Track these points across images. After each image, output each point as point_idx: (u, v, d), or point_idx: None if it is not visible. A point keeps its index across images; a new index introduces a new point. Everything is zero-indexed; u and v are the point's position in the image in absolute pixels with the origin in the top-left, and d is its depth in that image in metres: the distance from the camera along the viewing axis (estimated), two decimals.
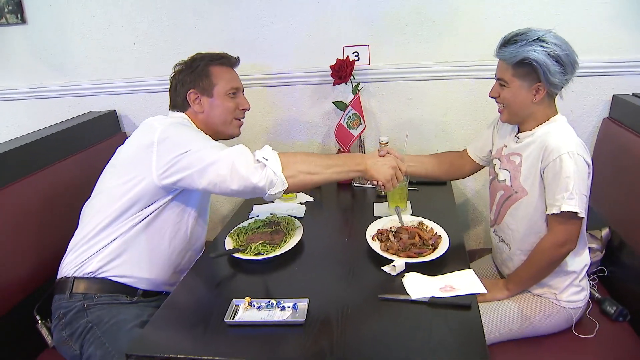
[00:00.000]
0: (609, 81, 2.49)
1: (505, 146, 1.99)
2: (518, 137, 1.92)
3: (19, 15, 2.80)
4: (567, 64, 1.72)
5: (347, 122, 2.53)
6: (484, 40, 2.43)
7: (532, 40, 1.71)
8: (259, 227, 2.09)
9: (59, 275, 1.89)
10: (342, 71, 2.47)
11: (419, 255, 1.81)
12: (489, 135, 2.16)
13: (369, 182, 2.55)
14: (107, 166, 1.94)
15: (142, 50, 2.78)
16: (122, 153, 1.91)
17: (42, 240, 2.12)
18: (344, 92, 2.65)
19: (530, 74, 1.75)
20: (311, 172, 1.79)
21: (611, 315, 1.97)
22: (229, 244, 1.99)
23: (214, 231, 2.98)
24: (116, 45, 2.79)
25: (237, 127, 2.08)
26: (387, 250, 1.85)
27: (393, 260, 1.77)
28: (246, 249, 1.91)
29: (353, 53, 2.58)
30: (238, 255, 1.89)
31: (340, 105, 2.58)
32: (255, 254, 1.89)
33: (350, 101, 2.52)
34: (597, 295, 2.09)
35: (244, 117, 2.08)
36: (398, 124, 2.72)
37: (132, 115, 2.94)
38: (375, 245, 1.89)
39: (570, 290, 1.88)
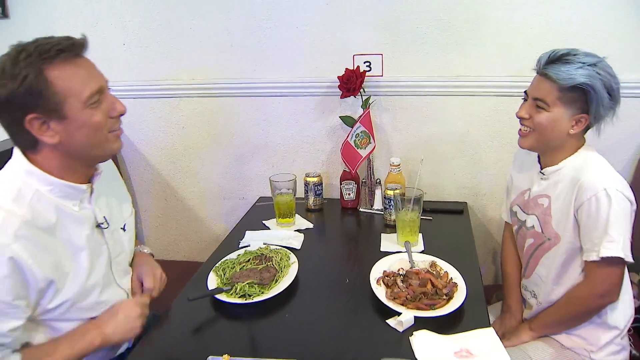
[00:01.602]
0: None
1: (529, 189, 1.77)
2: (543, 174, 1.70)
3: (0, 9, 2.56)
4: (617, 98, 1.54)
5: (354, 141, 2.27)
6: (514, 53, 2.21)
7: (588, 65, 1.49)
8: (248, 260, 1.84)
9: None
10: (352, 83, 2.21)
11: (431, 307, 1.56)
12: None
13: (375, 207, 2.31)
14: None
15: (133, 51, 2.54)
16: None
17: None
18: (352, 106, 2.40)
19: (578, 101, 1.53)
20: None
21: None
22: (212, 280, 1.75)
23: (206, 250, 2.76)
24: (104, 44, 2.55)
25: (115, 141, 1.43)
26: (393, 300, 1.60)
27: (400, 313, 1.53)
28: (231, 288, 1.67)
29: (364, 62, 2.32)
30: (221, 296, 1.64)
31: (348, 121, 2.33)
32: (240, 296, 1.65)
33: (360, 117, 2.27)
34: (634, 352, 1.81)
35: (121, 124, 1.44)
36: (412, 143, 2.46)
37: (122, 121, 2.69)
38: (380, 292, 1.64)
39: (608, 349, 1.67)
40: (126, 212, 1.69)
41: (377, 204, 2.34)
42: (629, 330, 1.71)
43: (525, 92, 1.65)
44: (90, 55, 2.22)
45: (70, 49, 1.27)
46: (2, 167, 1.38)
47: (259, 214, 2.30)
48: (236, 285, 1.67)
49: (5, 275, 1.21)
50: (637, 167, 2.28)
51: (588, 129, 1.61)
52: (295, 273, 1.75)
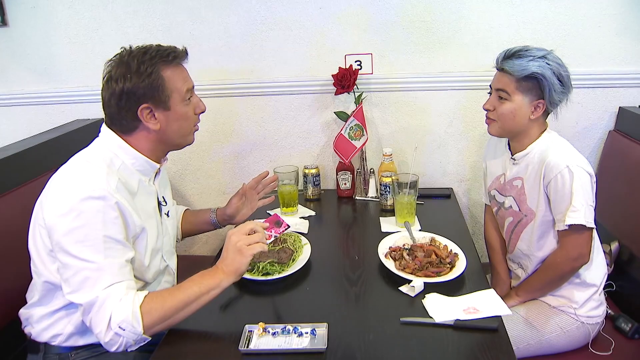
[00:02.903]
0: (615, 93, 2.46)
1: (504, 174, 1.98)
2: (514, 159, 1.91)
3: None
4: (567, 84, 1.76)
5: (348, 133, 2.44)
6: (490, 50, 2.33)
7: (538, 57, 1.73)
8: None
9: (26, 332, 1.67)
10: (346, 80, 2.38)
11: (437, 274, 1.74)
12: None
13: (369, 195, 2.48)
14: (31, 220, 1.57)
15: None
16: (33, 216, 1.55)
17: (20, 264, 1.67)
18: (345, 102, 2.57)
19: (533, 89, 1.76)
20: (166, 319, 1.45)
21: (626, 333, 1.93)
22: None
23: (207, 245, 2.90)
24: (104, 50, 2.59)
25: (193, 134, 1.71)
26: (403, 270, 1.77)
27: (410, 280, 1.70)
28: (253, 268, 1.81)
29: (355, 61, 2.50)
30: (245, 275, 1.76)
31: (342, 116, 2.50)
32: (263, 274, 1.79)
33: (353, 111, 2.44)
34: (609, 311, 2.02)
35: (199, 121, 1.72)
36: (400, 135, 2.65)
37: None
38: (390, 264, 1.80)
39: (589, 305, 1.85)
40: (170, 201, 1.87)
41: (372, 192, 2.51)
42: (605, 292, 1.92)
43: (490, 86, 1.87)
44: (91, 59, 2.57)
45: (180, 56, 1.58)
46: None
47: (264, 205, 2.42)
48: (258, 264, 1.81)
49: (116, 217, 1.44)
50: (602, 152, 2.52)
51: (548, 114, 1.83)
52: (309, 252, 1.90)
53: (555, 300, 1.87)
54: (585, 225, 1.69)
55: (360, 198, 2.53)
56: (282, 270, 1.81)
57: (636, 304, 2.07)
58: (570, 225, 1.70)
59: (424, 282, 1.68)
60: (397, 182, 2.14)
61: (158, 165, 1.67)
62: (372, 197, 2.51)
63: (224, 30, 2.55)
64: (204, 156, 2.79)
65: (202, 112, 1.70)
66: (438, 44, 2.48)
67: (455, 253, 1.85)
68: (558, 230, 1.77)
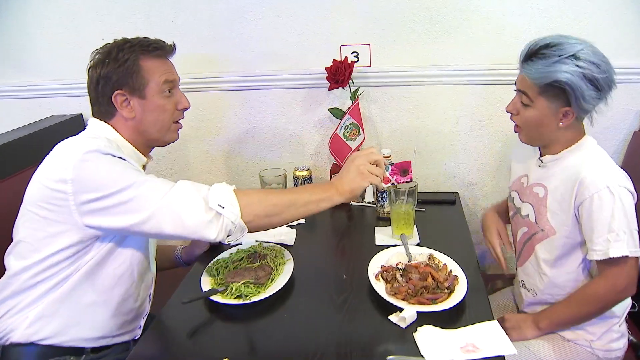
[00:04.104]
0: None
1: (527, 175, 1.74)
2: (542, 161, 1.66)
3: None
4: (604, 87, 1.46)
5: (343, 133, 2.23)
6: (502, 40, 2.21)
7: (566, 57, 1.43)
8: (241, 258, 1.79)
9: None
10: (340, 74, 2.17)
11: (433, 301, 1.52)
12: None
13: (366, 200, 2.27)
14: (21, 207, 1.51)
15: None
16: (34, 193, 1.46)
17: None
18: (340, 98, 2.36)
19: (559, 95, 1.48)
20: (269, 215, 1.46)
21: None
22: (205, 282, 1.69)
23: None
24: (82, 40, 2.46)
25: (175, 132, 1.69)
26: (394, 295, 1.56)
27: (402, 309, 1.49)
28: (226, 289, 1.62)
29: (352, 53, 2.28)
30: (216, 298, 1.59)
31: (337, 113, 2.28)
32: (236, 297, 1.59)
33: (348, 108, 2.23)
34: (630, 337, 1.80)
35: (183, 118, 1.70)
36: (401, 134, 2.43)
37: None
38: (380, 287, 1.59)
39: (608, 337, 1.64)
40: None
41: (369, 197, 2.31)
42: (625, 317, 1.70)
43: (515, 82, 1.61)
44: (68, 50, 2.40)
45: (163, 49, 1.61)
46: None
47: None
48: (231, 285, 1.61)
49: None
50: (624, 155, 2.28)
51: (582, 118, 1.57)
52: (292, 271, 1.70)
53: (570, 333, 1.65)
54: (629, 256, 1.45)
55: (356, 203, 2.32)
56: (259, 292, 1.61)
57: None
58: (612, 258, 1.45)
59: (417, 312, 1.47)
60: (395, 189, 1.92)
61: (145, 159, 1.66)
62: (368, 203, 2.29)
63: (209, 18, 2.35)
64: (190, 155, 2.61)
65: (186, 109, 1.68)
66: (444, 34, 2.25)
67: (455, 275, 1.63)
68: (597, 260, 1.50)
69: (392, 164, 1.69)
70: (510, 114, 1.64)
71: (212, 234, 1.38)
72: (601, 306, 1.57)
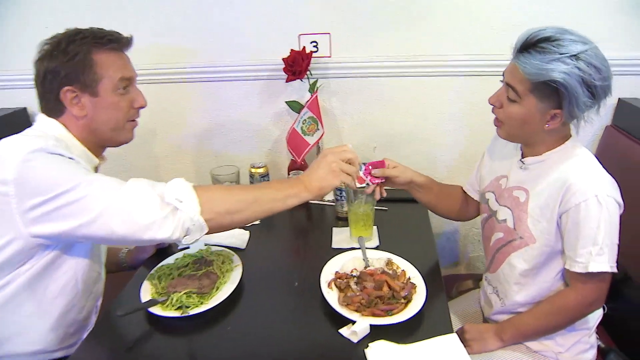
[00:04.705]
0: (614, 82, 2.08)
1: (506, 177, 1.61)
2: (523, 163, 1.54)
3: None
4: (600, 95, 1.34)
5: (301, 127, 2.11)
6: (473, 30, 2.10)
7: (568, 57, 1.29)
8: (187, 264, 1.66)
9: None
10: (297, 65, 2.04)
11: (388, 313, 1.42)
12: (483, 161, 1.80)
13: (326, 198, 2.16)
14: None
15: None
16: None
17: None
18: (299, 90, 2.23)
19: (551, 96, 1.35)
20: (231, 212, 1.34)
21: None
22: (146, 290, 1.56)
23: None
24: (26, 28, 2.29)
25: (131, 131, 1.59)
26: (346, 305, 1.45)
27: (354, 321, 1.38)
28: (167, 299, 1.49)
29: (311, 43, 2.16)
30: (155, 309, 1.46)
31: (295, 106, 2.16)
32: (177, 308, 1.47)
33: (307, 101, 2.09)
34: (599, 342, 1.72)
35: (139, 117, 1.60)
36: (364, 129, 2.32)
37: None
38: (332, 297, 1.49)
39: (577, 349, 1.55)
40: None
41: (328, 195, 2.18)
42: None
43: (503, 73, 1.47)
44: (10, 38, 2.30)
45: (119, 42, 1.49)
46: None
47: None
48: (172, 295, 1.49)
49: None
50: (596, 150, 2.19)
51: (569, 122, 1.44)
52: (239, 278, 1.58)
53: (537, 344, 1.55)
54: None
55: (315, 202, 2.19)
56: (202, 302, 1.49)
57: (629, 331, 1.78)
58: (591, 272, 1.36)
59: (371, 324, 1.36)
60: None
61: (97, 160, 1.56)
62: (328, 201, 2.17)
63: (160, 8, 2.20)
64: (140, 151, 2.46)
65: (142, 107, 1.58)
66: (409, 23, 2.13)
67: (413, 283, 1.53)
68: (572, 271, 1.40)
69: (365, 163, 1.62)
70: (492, 106, 1.51)
71: (168, 232, 1.25)
72: (569, 319, 1.49)
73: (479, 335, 1.56)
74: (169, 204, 1.26)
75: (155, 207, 1.25)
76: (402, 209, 2.08)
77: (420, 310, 1.42)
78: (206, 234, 1.32)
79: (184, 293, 1.49)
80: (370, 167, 1.64)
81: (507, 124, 1.47)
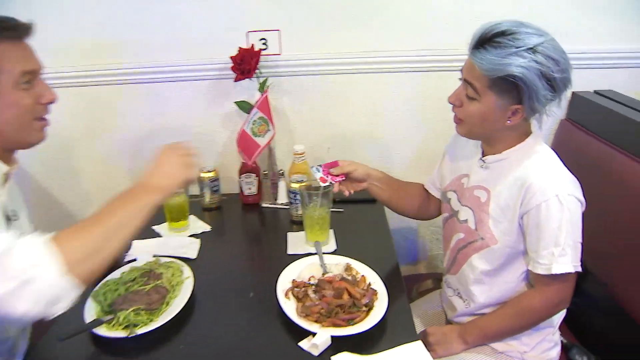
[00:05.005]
0: None
1: (467, 175, 1.57)
2: (484, 161, 1.50)
3: None
4: (560, 87, 1.31)
5: (251, 128, 2.01)
6: (426, 26, 2.05)
7: (524, 50, 1.25)
8: (134, 278, 1.55)
9: None
10: (246, 64, 1.95)
11: (349, 322, 1.36)
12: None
13: (279, 202, 2.08)
14: None
15: None
16: None
17: None
18: (248, 89, 2.12)
19: (510, 91, 1.31)
20: (98, 249, 1.13)
21: None
22: (90, 309, 1.44)
23: None
24: None
25: (40, 130, 1.37)
26: (305, 316, 1.38)
27: (314, 333, 1.31)
28: (114, 318, 1.38)
29: (260, 40, 2.06)
30: (100, 330, 1.35)
31: (244, 106, 2.06)
32: (124, 327, 1.36)
33: (257, 101, 2.00)
34: (561, 339, 1.70)
35: (48, 113, 1.38)
36: (317, 128, 2.23)
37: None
38: (290, 307, 1.41)
39: (542, 347, 1.53)
40: (26, 226, 1.47)
41: (282, 198, 2.11)
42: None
43: (461, 70, 1.42)
44: None
45: (14, 29, 1.27)
46: None
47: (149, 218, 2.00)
48: (119, 314, 1.38)
49: None
50: (551, 144, 2.16)
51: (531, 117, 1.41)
52: (190, 291, 1.49)
53: (502, 344, 1.52)
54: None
55: (268, 205, 2.11)
56: (151, 320, 1.39)
57: (591, 326, 1.78)
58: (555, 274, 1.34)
59: (332, 336, 1.30)
60: (308, 189, 1.73)
61: (7, 167, 1.36)
62: (282, 204, 2.10)
63: (94, 3, 2.04)
64: (82, 156, 2.30)
65: (51, 103, 1.36)
66: (361, 18, 2.06)
67: (374, 289, 1.47)
68: (535, 273, 1.38)
69: (321, 165, 1.59)
70: (452, 105, 1.46)
71: (21, 308, 1.02)
72: (535, 320, 1.47)
73: (443, 338, 1.52)
74: (15, 277, 1.01)
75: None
76: (358, 209, 2.03)
77: (382, 317, 1.36)
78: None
79: (132, 310, 1.39)
80: (326, 168, 1.60)
81: (467, 121, 1.42)
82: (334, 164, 1.62)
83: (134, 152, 2.28)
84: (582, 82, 2.07)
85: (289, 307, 1.41)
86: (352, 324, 1.34)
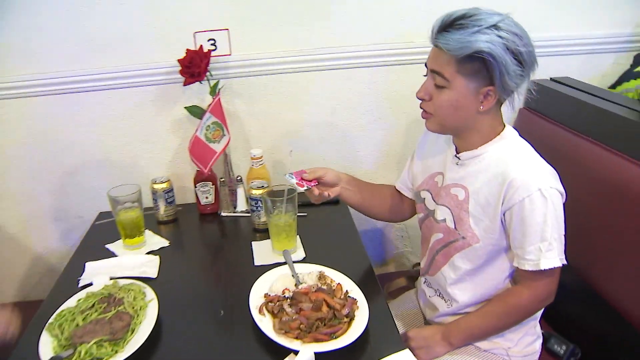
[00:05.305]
0: None
1: (441, 174, 1.52)
2: (459, 158, 1.45)
3: None
4: (527, 62, 1.29)
5: (205, 134, 1.91)
6: (381, 19, 2.00)
7: (486, 28, 1.24)
8: (92, 305, 1.42)
9: None
10: (195, 66, 1.84)
11: (332, 336, 1.28)
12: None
13: (238, 209, 1.98)
14: None
15: None
16: None
17: None
18: (199, 93, 2.01)
19: (480, 72, 1.28)
20: None
21: (561, 357, 1.62)
22: (46, 345, 1.30)
23: (41, 286, 2.29)
24: None
25: None
26: (285, 334, 1.29)
27: (295, 351, 1.23)
28: (74, 353, 1.25)
29: (208, 41, 1.95)
30: None
31: (195, 111, 1.95)
32: None
33: (209, 105, 1.90)
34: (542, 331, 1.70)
35: None
36: (273, 130, 2.14)
37: None
38: (266, 324, 1.33)
39: (525, 341, 1.51)
40: None
41: (241, 206, 2.01)
42: None
43: (425, 65, 1.39)
44: None
45: None
46: None
47: (100, 236, 1.85)
48: (79, 347, 1.25)
49: None
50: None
51: (501, 103, 1.38)
52: (156, 315, 1.37)
53: (487, 343, 1.49)
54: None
55: (228, 214, 2.01)
56: (116, 351, 1.27)
57: (566, 315, 1.75)
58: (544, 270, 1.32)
59: (315, 352, 1.21)
60: (271, 195, 1.65)
61: None
62: (241, 212, 2.00)
63: (26, 5, 1.88)
64: (17, 175, 2.13)
65: None
66: (313, 14, 1.98)
67: (353, 298, 1.39)
68: (522, 269, 1.35)
69: (292, 172, 1.55)
70: (420, 100, 1.41)
71: None
72: (522, 316, 1.45)
73: (425, 342, 1.47)
74: None
75: None
76: (321, 212, 1.95)
77: (366, 328, 1.30)
78: None
79: (94, 342, 1.26)
80: (298, 175, 1.55)
81: (438, 114, 1.37)
82: (302, 172, 1.56)
83: (77, 166, 2.13)
84: (538, 69, 2.05)
85: (265, 324, 1.32)
86: (335, 338, 1.27)
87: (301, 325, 1.28)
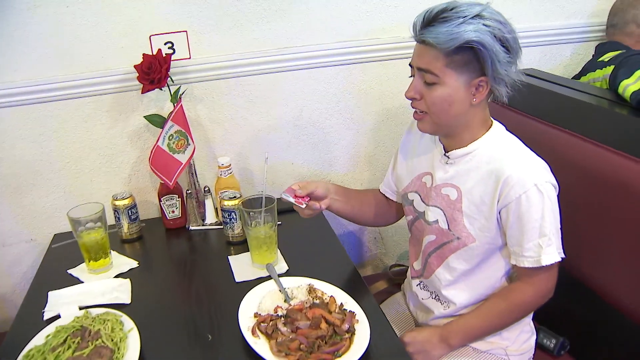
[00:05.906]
0: None
1: (430, 174, 1.47)
2: (448, 157, 1.41)
3: None
4: (514, 48, 1.28)
5: (168, 144, 1.78)
6: (342, 17, 1.93)
7: (471, 18, 1.22)
8: (64, 341, 1.28)
9: None
10: (155, 72, 1.71)
11: (335, 354, 1.20)
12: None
13: (207, 222, 1.88)
14: None
15: None
16: None
17: None
18: (157, 101, 1.89)
19: (470, 63, 1.25)
20: None
21: (551, 351, 1.61)
22: None
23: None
24: None
25: None
26: (285, 356, 1.20)
27: None
28: None
29: (165, 44, 1.82)
30: None
31: (156, 120, 1.83)
32: None
33: (170, 113, 1.77)
34: None
35: None
36: (239, 137, 2.03)
37: None
38: (262, 347, 1.24)
39: (521, 338, 1.50)
40: None
41: (210, 218, 1.90)
42: None
43: (410, 65, 1.34)
44: None
45: None
46: None
47: (59, 261, 1.70)
48: None
49: None
50: None
51: (489, 95, 1.34)
52: (139, 346, 1.25)
53: (485, 344, 1.46)
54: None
55: (196, 228, 1.90)
56: None
57: (557, 313, 1.68)
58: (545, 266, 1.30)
59: None
60: (247, 208, 1.55)
61: None
62: (211, 225, 1.89)
63: None
64: None
65: None
66: (274, 13, 1.89)
67: (351, 311, 1.32)
68: (522, 267, 1.34)
69: (285, 191, 1.48)
70: (411, 100, 1.37)
71: None
72: (524, 313, 1.45)
73: (422, 346, 1.42)
74: None
75: None
76: (297, 218, 1.84)
77: (369, 341, 1.23)
78: None
79: None
80: (291, 191, 1.47)
81: (432, 111, 1.33)
82: (290, 190, 1.48)
83: (30, 188, 1.95)
84: None
85: (261, 347, 1.23)
86: (339, 356, 1.19)
87: (301, 346, 1.20)
